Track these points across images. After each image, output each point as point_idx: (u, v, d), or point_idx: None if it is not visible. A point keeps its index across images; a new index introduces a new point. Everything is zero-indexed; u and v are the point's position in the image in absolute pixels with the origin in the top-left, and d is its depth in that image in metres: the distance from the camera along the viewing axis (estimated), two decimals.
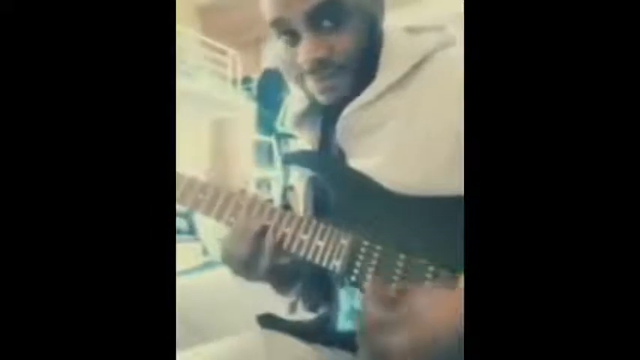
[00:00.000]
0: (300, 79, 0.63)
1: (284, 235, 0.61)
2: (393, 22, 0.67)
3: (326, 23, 0.58)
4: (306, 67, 0.60)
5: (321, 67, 0.60)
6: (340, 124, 0.64)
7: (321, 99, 0.63)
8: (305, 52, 0.59)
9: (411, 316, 0.47)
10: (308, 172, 0.69)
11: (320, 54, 0.59)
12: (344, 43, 0.59)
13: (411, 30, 0.66)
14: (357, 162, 0.63)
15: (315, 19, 0.58)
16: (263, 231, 0.61)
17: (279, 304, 0.73)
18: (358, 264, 0.58)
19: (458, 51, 0.62)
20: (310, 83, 0.62)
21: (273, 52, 0.63)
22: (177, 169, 0.54)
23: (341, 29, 0.58)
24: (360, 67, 0.61)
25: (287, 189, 0.75)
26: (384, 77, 0.62)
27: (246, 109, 2.71)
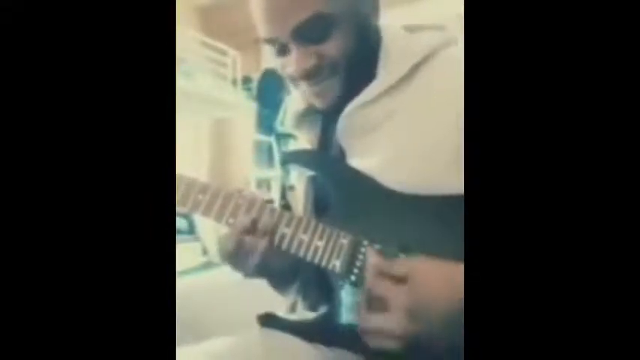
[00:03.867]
0: (294, 83, 0.64)
1: (283, 236, 0.61)
2: (392, 21, 0.67)
3: (313, 36, 0.59)
4: (296, 75, 0.62)
5: (311, 74, 0.61)
6: (340, 124, 0.64)
7: (317, 102, 0.64)
8: (294, 63, 0.60)
9: (412, 279, 0.47)
10: (308, 172, 0.69)
11: (309, 64, 0.60)
12: (332, 50, 0.60)
13: (411, 29, 0.66)
14: (357, 161, 0.63)
15: (301, 34, 0.59)
16: (259, 229, 0.61)
17: (279, 304, 0.73)
18: (358, 263, 0.58)
19: (458, 51, 0.62)
20: (304, 88, 0.64)
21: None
22: (177, 170, 0.54)
23: (329, 39, 0.59)
24: (353, 69, 0.61)
25: (287, 189, 0.75)
26: (384, 77, 0.62)
27: (246, 109, 2.71)
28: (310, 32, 0.59)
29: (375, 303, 0.48)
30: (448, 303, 0.46)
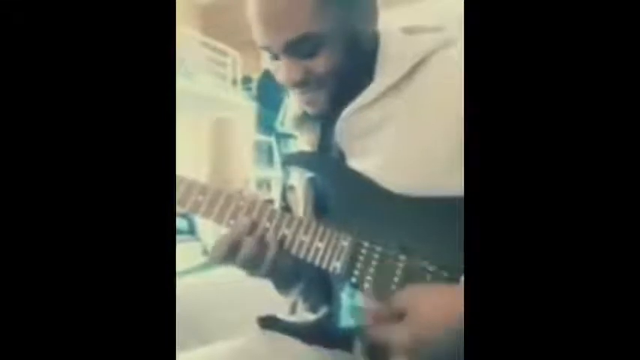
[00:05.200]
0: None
1: (284, 237, 0.61)
2: (390, 23, 0.67)
3: (302, 53, 0.60)
4: (286, 84, 0.63)
5: (299, 85, 0.62)
6: (339, 126, 0.64)
7: (307, 109, 0.66)
8: (284, 72, 0.61)
9: (410, 313, 0.48)
10: (308, 173, 0.69)
11: (297, 76, 0.61)
12: (320, 67, 0.60)
13: (409, 31, 0.66)
14: (357, 163, 0.63)
15: (292, 49, 0.60)
16: (263, 234, 0.61)
17: (279, 305, 0.73)
18: (358, 265, 0.58)
19: (457, 51, 0.62)
20: (295, 95, 0.65)
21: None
22: (177, 171, 0.54)
23: (317, 56, 0.60)
24: (343, 82, 0.62)
25: (287, 189, 0.75)
26: (382, 79, 0.62)
27: (246, 109, 2.71)
28: (300, 49, 0.59)
29: (377, 347, 0.49)
30: (449, 330, 0.46)
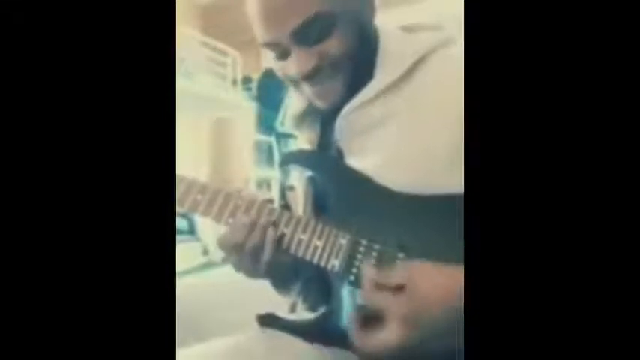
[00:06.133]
0: (296, 85, 0.64)
1: (282, 235, 0.61)
2: (390, 21, 0.67)
3: (314, 36, 0.59)
4: (298, 77, 0.61)
5: (312, 75, 0.61)
6: (339, 124, 0.64)
7: (319, 102, 0.64)
8: (295, 65, 0.60)
9: (409, 287, 0.47)
10: (307, 172, 0.69)
11: (310, 65, 0.60)
12: (333, 48, 0.59)
13: (409, 29, 0.67)
14: (356, 161, 0.63)
15: (301, 35, 0.58)
16: (263, 228, 0.61)
17: (279, 304, 0.73)
18: (357, 263, 0.58)
19: (457, 50, 0.62)
20: (306, 88, 0.63)
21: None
22: (177, 171, 0.54)
23: (329, 37, 0.59)
24: (355, 68, 0.61)
25: (286, 189, 0.75)
26: (382, 76, 0.62)
27: (246, 109, 2.71)
28: (311, 33, 0.58)
29: (371, 316, 0.49)
30: (447, 309, 0.46)
